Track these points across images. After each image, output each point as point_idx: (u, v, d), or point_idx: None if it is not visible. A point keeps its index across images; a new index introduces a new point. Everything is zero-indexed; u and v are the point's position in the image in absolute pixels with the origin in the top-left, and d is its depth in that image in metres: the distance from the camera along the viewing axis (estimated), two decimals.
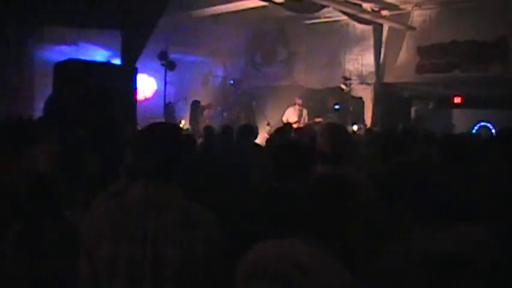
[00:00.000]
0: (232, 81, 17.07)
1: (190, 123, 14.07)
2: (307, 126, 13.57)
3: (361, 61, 16.22)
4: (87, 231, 2.77)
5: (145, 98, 14.49)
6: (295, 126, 12.14)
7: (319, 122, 14.24)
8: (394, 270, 2.64)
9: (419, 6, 14.92)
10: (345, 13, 14.46)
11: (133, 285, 2.63)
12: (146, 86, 15.07)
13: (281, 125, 12.04)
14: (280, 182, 3.85)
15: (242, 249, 2.70)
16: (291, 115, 14.62)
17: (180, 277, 2.64)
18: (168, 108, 13.77)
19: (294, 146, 4.11)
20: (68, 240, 3.14)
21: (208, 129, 8.80)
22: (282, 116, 14.80)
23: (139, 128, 7.72)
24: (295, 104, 14.89)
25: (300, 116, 14.73)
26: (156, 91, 15.08)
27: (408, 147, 5.33)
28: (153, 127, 2.92)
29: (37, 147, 4.45)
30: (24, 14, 9.20)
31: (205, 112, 14.35)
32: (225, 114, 16.32)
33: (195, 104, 14.25)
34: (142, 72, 12.90)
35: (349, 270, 2.48)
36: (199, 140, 8.73)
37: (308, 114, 14.97)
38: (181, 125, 13.83)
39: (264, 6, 13.38)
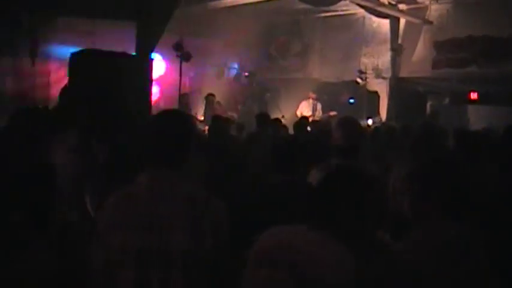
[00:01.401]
0: (246, 74, 17.03)
1: (204, 115, 14.04)
2: (321, 119, 13.55)
3: (376, 55, 16.12)
4: (99, 220, 2.80)
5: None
6: (309, 119, 12.12)
7: (333, 116, 14.19)
8: (403, 261, 2.63)
9: (437, 1, 14.81)
10: (361, 6, 14.38)
11: (143, 274, 2.64)
12: (158, 65, 15.02)
13: (295, 118, 12.04)
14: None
15: (250, 238, 2.69)
16: (304, 109, 14.59)
17: (188, 266, 2.63)
18: (184, 98, 13.76)
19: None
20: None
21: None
22: (296, 109, 14.77)
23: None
24: (309, 97, 14.85)
25: (314, 109, 14.69)
26: (170, 82, 15.06)
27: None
28: (163, 115, 2.91)
29: (53, 137, 4.44)
30: (38, 4, 9.21)
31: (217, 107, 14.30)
32: (239, 107, 16.30)
33: (210, 97, 14.22)
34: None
35: (363, 259, 2.47)
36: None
37: (322, 107, 14.93)
38: (196, 116, 13.82)
39: None
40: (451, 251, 2.61)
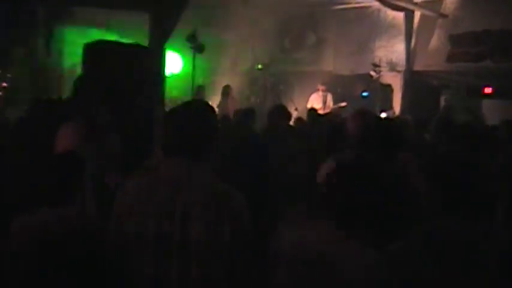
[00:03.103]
0: (260, 66, 17.01)
1: (218, 107, 14.06)
2: (332, 112, 13.53)
3: (391, 48, 16.04)
4: (118, 206, 2.81)
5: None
6: (320, 112, 12.10)
7: (344, 107, 14.18)
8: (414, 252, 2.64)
9: None
10: None
11: (160, 261, 2.66)
12: (174, 62, 15.09)
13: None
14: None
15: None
16: (314, 101, 14.54)
17: (206, 256, 2.65)
18: (199, 90, 13.79)
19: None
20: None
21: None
22: (307, 102, 14.75)
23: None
24: (318, 89, 14.81)
25: (324, 101, 14.65)
26: (184, 74, 15.10)
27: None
28: (186, 105, 2.95)
29: (66, 126, 4.46)
30: None
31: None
32: (252, 99, 16.30)
33: (226, 89, 14.22)
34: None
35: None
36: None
37: (335, 100, 14.89)
38: None
39: None
40: (456, 250, 2.61)
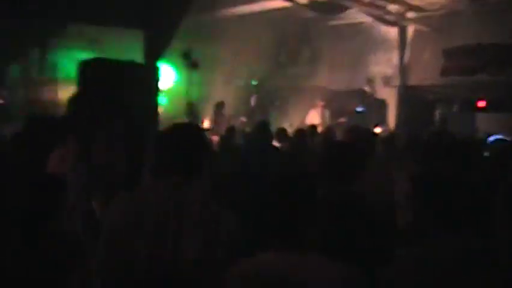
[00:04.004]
0: (255, 82, 17.05)
1: (212, 124, 14.07)
2: (330, 127, 13.56)
3: (385, 63, 16.13)
4: (108, 225, 2.81)
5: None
6: (319, 128, 12.13)
7: (343, 123, 14.22)
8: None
9: (445, 8, 14.77)
10: (370, 15, 14.39)
11: (152, 281, 2.65)
12: (167, 75, 15.09)
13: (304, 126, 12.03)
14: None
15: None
16: (313, 117, 14.60)
17: (198, 275, 2.65)
18: (192, 107, 13.82)
19: None
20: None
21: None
22: (305, 118, 14.78)
23: (162, 128, 7.74)
24: (317, 105, 14.88)
25: (323, 117, 14.73)
26: (179, 91, 15.12)
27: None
28: (176, 126, 2.99)
29: (60, 147, 4.47)
30: (47, 13, 9.29)
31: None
32: (247, 115, 16.30)
33: (219, 105, 14.26)
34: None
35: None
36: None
37: (331, 115, 14.95)
38: (204, 125, 13.85)
39: (288, 7, 13.36)
40: (455, 267, 2.61)
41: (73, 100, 6.26)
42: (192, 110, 13.85)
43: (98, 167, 4.64)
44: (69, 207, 3.65)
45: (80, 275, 2.91)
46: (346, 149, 3.82)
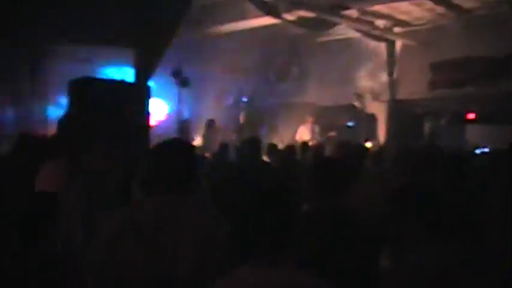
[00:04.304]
0: (245, 99, 17.11)
1: (203, 141, 14.09)
2: (320, 143, 13.60)
3: (374, 78, 16.22)
4: (97, 245, 2.80)
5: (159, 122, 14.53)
6: (310, 143, 12.17)
7: (333, 137, 14.28)
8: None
9: (432, 23, 14.91)
10: (357, 30, 14.49)
11: None
12: (160, 109, 15.15)
13: (294, 142, 12.08)
14: None
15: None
16: (303, 133, 14.66)
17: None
18: (184, 124, 13.86)
19: None
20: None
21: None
22: (295, 134, 14.83)
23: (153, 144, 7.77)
24: (307, 122, 14.94)
25: (313, 133, 14.78)
26: (170, 108, 15.17)
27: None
28: (166, 143, 3.00)
29: (48, 165, 4.48)
30: (38, 32, 9.32)
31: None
32: (238, 132, 16.32)
33: (210, 123, 14.30)
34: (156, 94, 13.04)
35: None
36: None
37: (321, 131, 15.01)
38: (195, 142, 13.86)
39: (276, 24, 13.44)
40: (449, 274, 2.62)
41: (63, 120, 6.27)
42: (185, 126, 13.90)
43: (95, 173, 4.64)
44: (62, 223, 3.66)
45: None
46: (335, 165, 3.85)
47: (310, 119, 14.97)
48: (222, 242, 2.73)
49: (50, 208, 3.30)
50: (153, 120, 10.00)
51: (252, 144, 7.39)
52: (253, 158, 7.17)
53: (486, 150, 8.83)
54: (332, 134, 14.76)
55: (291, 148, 9.13)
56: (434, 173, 5.00)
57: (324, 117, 16.01)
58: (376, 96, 16.02)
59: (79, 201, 4.13)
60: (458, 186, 4.51)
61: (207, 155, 10.47)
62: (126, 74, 9.33)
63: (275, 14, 12.62)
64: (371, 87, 16.06)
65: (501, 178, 4.84)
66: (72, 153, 4.71)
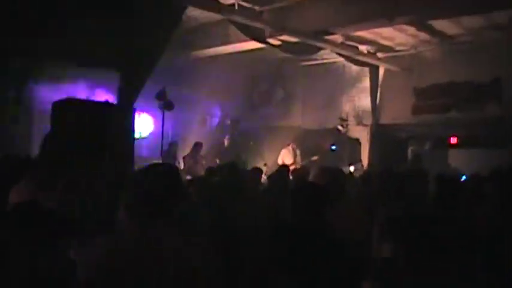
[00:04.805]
0: (229, 122, 17.13)
1: (188, 164, 14.03)
2: (302, 167, 13.60)
3: (357, 102, 16.33)
4: (83, 270, 2.77)
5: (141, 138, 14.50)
6: (291, 167, 12.15)
7: (315, 160, 14.30)
8: None
9: (415, 48, 15.06)
10: (341, 55, 14.60)
11: None
12: (144, 125, 15.14)
13: (277, 166, 12.05)
14: None
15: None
16: (285, 157, 14.67)
17: None
18: (171, 146, 13.86)
19: None
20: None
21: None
22: (277, 158, 14.83)
23: (137, 168, 7.72)
24: (289, 145, 14.96)
25: (294, 157, 14.79)
26: (153, 131, 15.12)
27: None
28: (151, 167, 3.00)
29: (20, 183, 4.49)
30: (24, 53, 9.31)
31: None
32: (221, 156, 16.28)
33: (197, 146, 14.26)
34: (141, 110, 13.02)
35: None
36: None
37: (303, 154, 15.03)
38: (180, 165, 13.80)
39: (261, 48, 13.50)
40: None
41: (46, 139, 6.25)
42: (172, 149, 13.86)
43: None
44: None
45: None
46: (315, 190, 3.92)
47: (291, 144, 14.99)
48: (203, 268, 2.72)
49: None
50: (137, 135, 9.97)
51: (230, 169, 7.34)
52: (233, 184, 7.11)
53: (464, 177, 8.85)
54: (315, 158, 14.78)
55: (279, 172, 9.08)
56: (420, 196, 5.02)
57: (307, 141, 16.06)
58: (359, 121, 16.12)
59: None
60: (450, 205, 4.54)
61: (188, 177, 10.40)
62: (111, 96, 9.30)
63: (259, 38, 12.66)
64: (355, 111, 16.16)
65: (490, 202, 4.87)
66: (49, 173, 4.69)
